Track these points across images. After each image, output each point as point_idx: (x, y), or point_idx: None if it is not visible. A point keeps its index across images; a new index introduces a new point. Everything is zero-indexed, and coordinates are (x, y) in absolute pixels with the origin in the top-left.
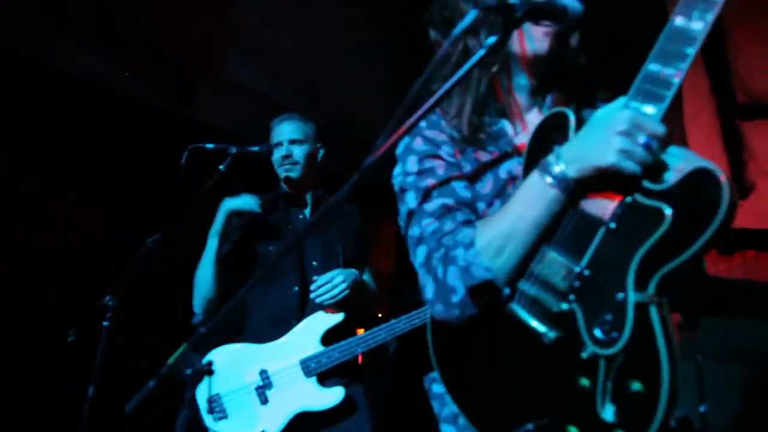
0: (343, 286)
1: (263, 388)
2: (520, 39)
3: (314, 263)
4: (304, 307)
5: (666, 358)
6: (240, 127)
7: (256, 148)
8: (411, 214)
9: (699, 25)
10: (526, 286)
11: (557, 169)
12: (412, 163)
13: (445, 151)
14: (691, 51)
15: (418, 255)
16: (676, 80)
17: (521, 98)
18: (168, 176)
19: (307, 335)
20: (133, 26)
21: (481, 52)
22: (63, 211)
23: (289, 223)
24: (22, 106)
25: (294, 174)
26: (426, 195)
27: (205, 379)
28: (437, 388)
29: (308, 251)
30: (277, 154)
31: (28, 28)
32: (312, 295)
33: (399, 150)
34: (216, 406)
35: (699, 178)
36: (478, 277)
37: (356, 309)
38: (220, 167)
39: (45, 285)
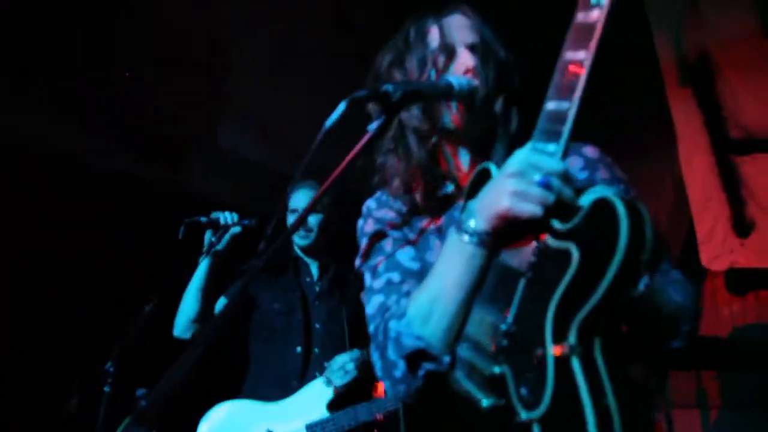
0: (354, 372)
1: None
2: (450, 111)
3: (317, 326)
4: (306, 370)
5: (593, 420)
6: (235, 196)
7: (246, 222)
8: (365, 294)
9: (583, 54)
10: (461, 351)
11: (470, 223)
12: (363, 245)
13: (391, 226)
14: (581, 78)
15: (370, 333)
16: (570, 113)
17: (463, 164)
18: (161, 245)
19: (315, 399)
20: (121, 101)
21: (366, 137)
22: (55, 284)
23: (298, 287)
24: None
25: (307, 242)
26: (375, 273)
27: None
28: None
29: (313, 314)
30: (292, 220)
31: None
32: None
33: (357, 234)
34: None
35: (599, 210)
36: (408, 347)
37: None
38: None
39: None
